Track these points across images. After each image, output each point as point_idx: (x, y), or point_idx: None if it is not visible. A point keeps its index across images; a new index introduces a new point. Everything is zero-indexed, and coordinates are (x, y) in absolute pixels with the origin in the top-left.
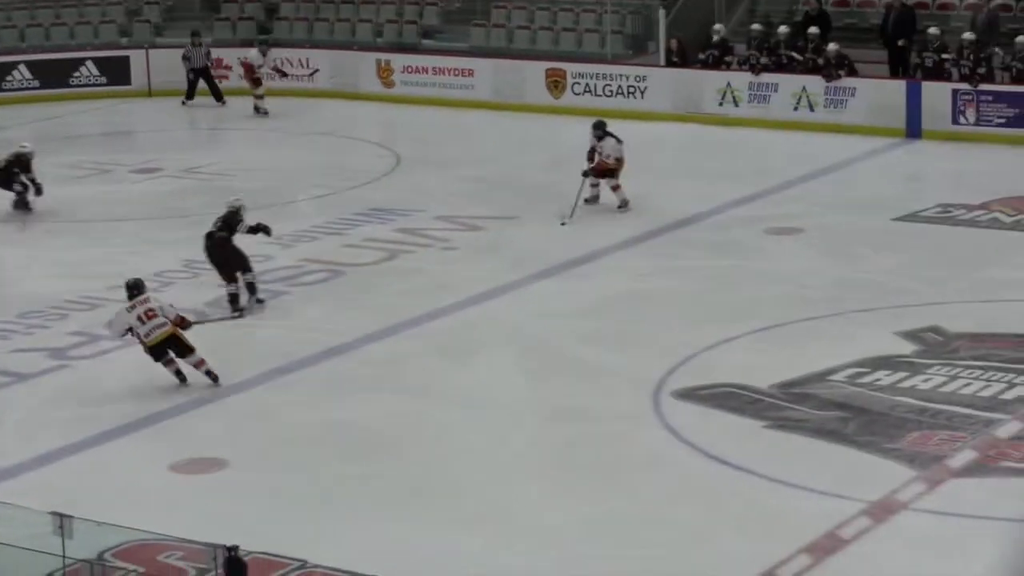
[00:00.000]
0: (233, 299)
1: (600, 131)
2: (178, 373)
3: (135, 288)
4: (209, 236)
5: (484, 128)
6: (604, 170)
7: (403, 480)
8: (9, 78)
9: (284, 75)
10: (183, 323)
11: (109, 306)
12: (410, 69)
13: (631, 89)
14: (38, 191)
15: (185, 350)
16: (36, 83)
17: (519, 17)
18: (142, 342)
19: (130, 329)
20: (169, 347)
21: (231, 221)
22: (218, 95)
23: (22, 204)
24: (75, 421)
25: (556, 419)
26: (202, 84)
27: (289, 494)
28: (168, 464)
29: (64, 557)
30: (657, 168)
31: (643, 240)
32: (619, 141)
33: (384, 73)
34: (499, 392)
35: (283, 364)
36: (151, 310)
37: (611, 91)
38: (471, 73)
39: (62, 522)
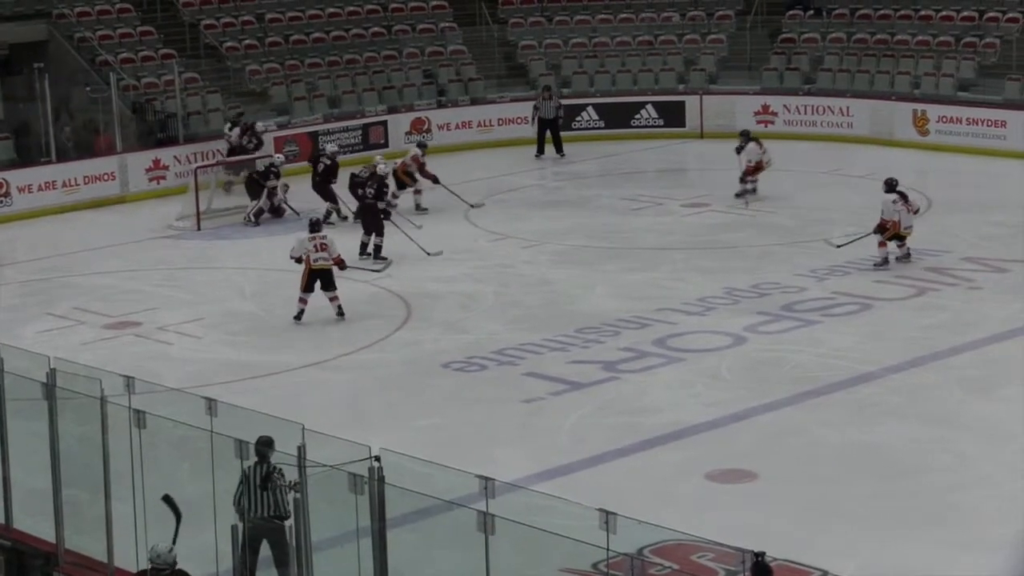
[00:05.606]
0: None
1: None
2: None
3: (315, 225)
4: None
5: (1015, 177)
6: None
7: (919, 503)
8: (579, 118)
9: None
10: (340, 263)
11: (656, 326)
12: (944, 119)
13: None
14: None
15: (330, 285)
16: (601, 123)
17: None
18: (308, 265)
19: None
20: (320, 278)
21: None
22: (559, 147)
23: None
24: (621, 428)
25: None
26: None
27: (812, 507)
28: (703, 472)
29: (608, 550)
30: None
31: None
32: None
33: (920, 122)
34: (1019, 426)
35: (812, 387)
36: (324, 244)
37: None
38: (1004, 124)
39: (607, 518)
